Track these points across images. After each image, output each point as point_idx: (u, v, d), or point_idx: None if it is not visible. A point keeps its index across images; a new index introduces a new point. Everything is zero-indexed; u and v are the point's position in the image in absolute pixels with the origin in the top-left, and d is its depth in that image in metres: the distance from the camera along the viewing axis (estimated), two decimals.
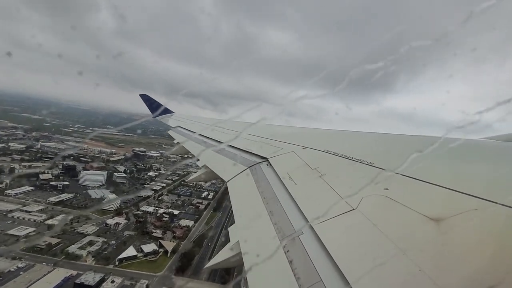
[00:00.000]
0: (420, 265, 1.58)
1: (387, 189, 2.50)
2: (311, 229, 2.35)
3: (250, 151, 5.55)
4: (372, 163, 3.30)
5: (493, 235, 1.69)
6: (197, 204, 76.59)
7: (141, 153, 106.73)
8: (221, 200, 78.80)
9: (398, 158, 3.76)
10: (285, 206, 2.96)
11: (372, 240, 1.97)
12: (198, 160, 6.98)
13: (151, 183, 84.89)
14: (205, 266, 3.17)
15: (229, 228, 3.12)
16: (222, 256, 2.86)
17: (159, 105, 18.92)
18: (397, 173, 2.81)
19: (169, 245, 56.68)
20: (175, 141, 10.85)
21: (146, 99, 18.95)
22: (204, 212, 72.81)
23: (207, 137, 8.89)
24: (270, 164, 4.55)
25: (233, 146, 6.25)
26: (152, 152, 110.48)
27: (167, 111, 18.68)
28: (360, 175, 3.24)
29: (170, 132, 12.29)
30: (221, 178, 5.05)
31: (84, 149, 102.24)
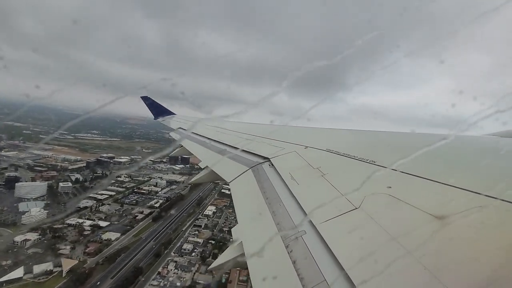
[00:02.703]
0: (425, 263, 1.57)
1: (390, 187, 2.49)
2: (314, 229, 2.34)
3: (252, 152, 5.55)
4: (374, 162, 3.28)
5: (499, 232, 1.67)
6: (136, 214, 67.25)
7: (107, 159, 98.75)
8: (167, 208, 71.62)
9: (400, 156, 3.73)
10: (288, 206, 2.95)
11: (376, 239, 1.96)
12: (200, 161, 6.99)
13: (98, 192, 75.89)
14: (209, 268, 3.18)
15: (232, 229, 3.12)
16: (225, 257, 2.86)
17: (161, 107, 18.99)
18: (400, 171, 2.79)
19: (68, 263, 49.39)
20: (177, 143, 10.88)
21: (147, 101, 19.00)
22: (141, 223, 65.08)
23: (209, 138, 8.90)
24: (272, 164, 4.55)
25: (235, 147, 6.25)
26: (122, 157, 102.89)
27: (168, 112, 18.72)
28: (362, 174, 3.22)
29: (172, 134, 12.33)
30: (223, 179, 5.05)
31: (47, 157, 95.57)
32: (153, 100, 19.05)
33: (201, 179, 6.50)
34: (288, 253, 2.18)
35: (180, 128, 12.91)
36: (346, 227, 2.26)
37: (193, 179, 7.19)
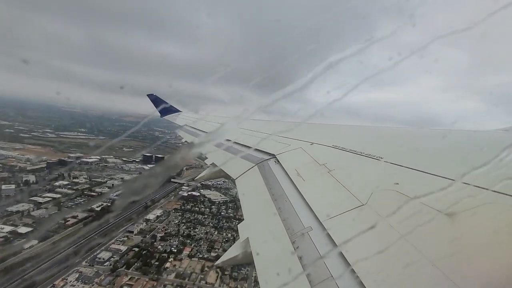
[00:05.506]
0: (433, 260, 1.55)
1: (398, 183, 2.46)
2: (320, 225, 2.34)
3: (258, 148, 5.55)
4: (381, 158, 3.25)
5: (509, 228, 1.65)
6: (68, 219, 59.19)
7: (71, 160, 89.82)
8: (107, 212, 60.25)
9: (408, 152, 3.69)
10: (294, 203, 2.95)
11: (383, 235, 1.94)
12: (206, 158, 7.03)
13: (45, 194, 68.13)
14: (216, 263, 3.20)
15: (238, 225, 3.14)
16: (231, 253, 2.88)
17: (167, 104, 19.07)
18: (407, 167, 2.76)
19: None
20: (183, 140, 10.95)
21: (154, 99, 19.13)
22: (69, 228, 56.35)
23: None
24: (278, 161, 4.54)
25: (240, 144, 6.26)
26: (91, 157, 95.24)
27: (174, 110, 18.83)
28: (369, 170, 3.20)
29: (178, 131, 12.40)
30: (229, 176, 5.08)
31: (10, 158, 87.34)
32: (159, 98, 19.17)
33: (207, 176, 6.55)
34: (295, 249, 2.18)
35: (186, 125, 12.97)
36: (352, 224, 2.25)
37: (198, 176, 7.22)
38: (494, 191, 1.88)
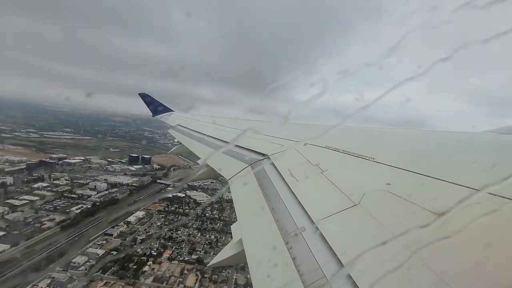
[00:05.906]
0: (424, 260, 1.57)
1: (389, 184, 2.49)
2: (313, 226, 2.35)
3: (251, 149, 5.54)
4: (373, 158, 3.29)
5: (497, 229, 1.68)
6: (45, 222, 55.00)
7: (53, 161, 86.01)
8: (87, 215, 58.53)
9: (399, 152, 3.75)
10: (287, 203, 2.95)
11: (375, 235, 1.96)
12: (199, 158, 6.98)
13: (22, 196, 63.64)
14: (209, 264, 3.17)
15: (231, 226, 3.12)
16: (224, 254, 2.86)
17: (159, 104, 18.86)
18: (399, 168, 2.80)
19: None
20: (175, 140, 10.84)
21: (145, 98, 18.88)
22: (45, 232, 52.17)
23: (208, 135, 8.88)
24: (272, 162, 4.55)
25: (234, 144, 6.24)
26: (75, 158, 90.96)
27: (166, 109, 18.62)
28: (361, 171, 3.23)
29: (170, 131, 12.26)
30: (223, 176, 5.05)
31: None
32: (151, 97, 18.93)
33: (200, 177, 6.50)
34: (288, 249, 2.18)
35: (179, 125, 12.84)
36: (345, 224, 2.27)
37: (192, 177, 7.17)
38: (485, 192, 1.92)
